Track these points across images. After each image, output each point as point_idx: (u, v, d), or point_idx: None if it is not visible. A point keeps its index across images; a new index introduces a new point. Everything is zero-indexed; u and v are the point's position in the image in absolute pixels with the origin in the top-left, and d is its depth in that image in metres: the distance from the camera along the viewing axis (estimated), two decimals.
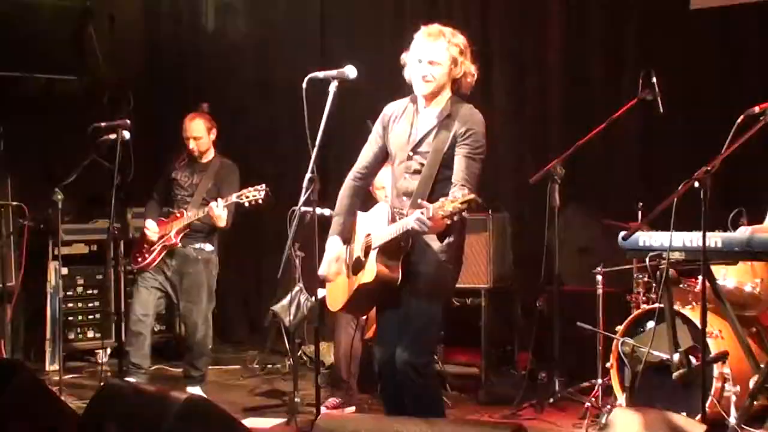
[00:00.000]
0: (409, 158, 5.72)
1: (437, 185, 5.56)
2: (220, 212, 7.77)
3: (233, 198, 7.71)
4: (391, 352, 5.63)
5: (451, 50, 5.64)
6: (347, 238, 5.86)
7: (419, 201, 5.25)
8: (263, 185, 7.72)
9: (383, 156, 5.94)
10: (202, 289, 8.10)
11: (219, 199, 7.77)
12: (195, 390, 7.92)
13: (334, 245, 5.82)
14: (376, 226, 5.66)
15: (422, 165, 5.65)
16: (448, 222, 5.05)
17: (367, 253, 5.62)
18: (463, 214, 5.06)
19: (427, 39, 5.66)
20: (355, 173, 5.99)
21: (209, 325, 8.13)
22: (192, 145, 8.17)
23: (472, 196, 5.00)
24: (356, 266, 5.73)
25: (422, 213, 5.10)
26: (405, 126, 5.80)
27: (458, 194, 5.05)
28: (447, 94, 5.73)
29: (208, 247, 8.13)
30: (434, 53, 5.61)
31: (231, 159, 8.33)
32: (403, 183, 5.71)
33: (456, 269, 5.73)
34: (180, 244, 8.04)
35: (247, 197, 7.69)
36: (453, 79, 5.71)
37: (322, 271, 5.83)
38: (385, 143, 5.89)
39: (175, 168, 8.24)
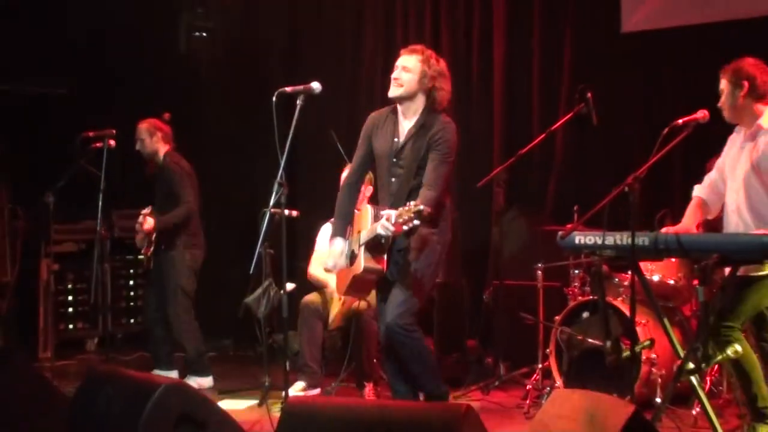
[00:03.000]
0: (392, 164, 5.97)
1: (414, 188, 5.82)
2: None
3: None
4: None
5: (423, 64, 5.90)
6: (346, 235, 6.12)
7: (381, 213, 5.55)
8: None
9: (369, 160, 6.17)
10: (169, 289, 8.07)
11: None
12: (192, 379, 7.93)
13: (337, 244, 6.10)
14: (364, 225, 5.90)
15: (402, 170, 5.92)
16: (406, 228, 5.34)
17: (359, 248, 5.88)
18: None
19: (405, 52, 6.03)
20: (348, 177, 6.26)
21: (182, 321, 8.07)
22: (137, 146, 8.19)
23: (421, 207, 5.27)
24: (352, 259, 6.02)
25: (387, 220, 5.40)
26: (387, 135, 6.01)
27: (412, 204, 5.30)
28: (422, 105, 5.96)
29: (174, 248, 8.07)
30: (407, 62, 5.93)
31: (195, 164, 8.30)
32: (388, 186, 5.97)
33: (443, 249, 6.04)
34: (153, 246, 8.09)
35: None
36: (426, 91, 5.93)
37: (329, 265, 6.20)
38: (369, 149, 6.11)
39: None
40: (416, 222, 5.33)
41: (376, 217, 5.73)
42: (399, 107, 6.05)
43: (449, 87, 6.04)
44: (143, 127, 8.15)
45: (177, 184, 7.97)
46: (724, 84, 5.45)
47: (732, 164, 5.49)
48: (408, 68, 5.93)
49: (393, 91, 5.97)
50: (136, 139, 8.15)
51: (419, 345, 6.02)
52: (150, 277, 8.29)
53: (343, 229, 6.14)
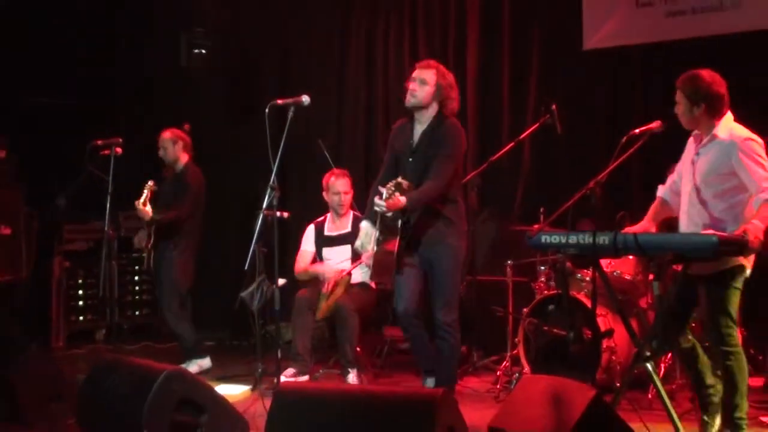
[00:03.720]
0: (408, 164, 6.21)
1: (425, 181, 6.04)
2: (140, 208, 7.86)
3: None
4: (405, 306, 6.20)
5: (438, 78, 6.10)
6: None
7: (378, 187, 5.89)
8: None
9: (394, 163, 6.35)
10: (166, 283, 8.06)
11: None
12: (193, 362, 7.96)
13: (363, 225, 6.32)
14: None
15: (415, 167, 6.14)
16: (392, 201, 5.78)
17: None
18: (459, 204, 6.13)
19: (421, 65, 6.20)
20: (379, 180, 6.31)
21: (177, 314, 8.05)
22: (160, 153, 8.21)
23: (399, 180, 5.78)
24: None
25: (378, 197, 5.83)
26: (404, 139, 6.28)
27: (394, 180, 5.78)
28: (434, 112, 6.16)
29: (169, 246, 8.06)
30: (424, 75, 6.13)
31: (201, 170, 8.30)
32: (405, 179, 6.00)
33: (464, 245, 6.29)
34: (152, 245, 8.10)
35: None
36: (439, 101, 6.15)
37: (357, 244, 6.39)
38: (392, 154, 6.34)
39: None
40: (396, 192, 5.76)
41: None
42: (415, 114, 6.24)
43: (458, 96, 6.26)
44: (167, 136, 8.18)
45: (185, 194, 8.02)
46: (681, 98, 5.33)
47: (685, 168, 5.47)
48: (425, 81, 6.12)
49: (410, 101, 6.15)
50: (159, 147, 8.19)
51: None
52: (154, 278, 8.28)
53: (369, 215, 6.27)
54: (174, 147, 8.15)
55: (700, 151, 5.32)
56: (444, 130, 6.10)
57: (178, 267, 8.03)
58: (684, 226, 5.37)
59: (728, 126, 5.27)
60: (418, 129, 6.22)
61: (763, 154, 5.14)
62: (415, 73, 6.17)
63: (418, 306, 6.29)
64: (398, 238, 6.11)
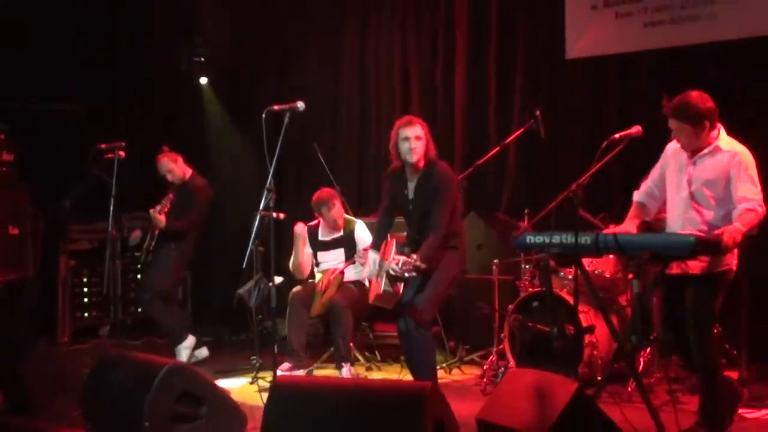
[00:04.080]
0: (408, 213, 6.31)
1: (425, 228, 6.11)
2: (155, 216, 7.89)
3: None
4: (405, 323, 6.13)
5: (425, 130, 6.20)
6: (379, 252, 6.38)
7: (395, 257, 5.94)
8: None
9: (393, 206, 6.46)
10: (159, 274, 8.14)
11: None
12: (182, 348, 7.99)
13: (370, 255, 6.41)
14: (389, 254, 6.22)
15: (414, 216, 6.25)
16: (407, 276, 5.83)
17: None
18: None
19: (407, 125, 6.20)
20: (382, 217, 6.53)
21: (157, 300, 8.09)
22: (168, 178, 8.20)
23: (419, 264, 5.73)
24: (380, 277, 6.22)
25: (396, 264, 5.81)
26: (401, 192, 6.33)
27: (414, 257, 5.77)
28: (424, 163, 6.21)
29: (169, 246, 8.11)
30: (417, 131, 6.17)
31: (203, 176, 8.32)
32: (408, 229, 6.36)
33: (461, 267, 6.34)
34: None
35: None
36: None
37: (364, 273, 6.69)
38: (391, 200, 6.43)
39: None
40: (414, 273, 5.78)
41: (396, 252, 6.12)
42: (407, 169, 6.27)
43: (432, 143, 6.27)
44: (164, 160, 8.17)
45: (194, 204, 8.08)
46: (679, 124, 5.26)
47: (674, 176, 5.46)
48: (420, 137, 6.16)
49: (416, 159, 6.16)
50: (163, 173, 8.18)
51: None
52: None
53: (377, 245, 6.40)
54: (176, 166, 8.17)
55: (698, 160, 5.30)
56: (436, 180, 6.13)
57: (174, 263, 8.08)
58: (678, 230, 5.36)
59: (727, 138, 5.32)
60: (412, 183, 6.26)
61: (754, 168, 5.21)
62: (408, 132, 6.15)
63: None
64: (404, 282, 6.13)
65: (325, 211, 7.77)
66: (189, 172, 8.24)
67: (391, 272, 5.89)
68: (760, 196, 5.13)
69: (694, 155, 5.32)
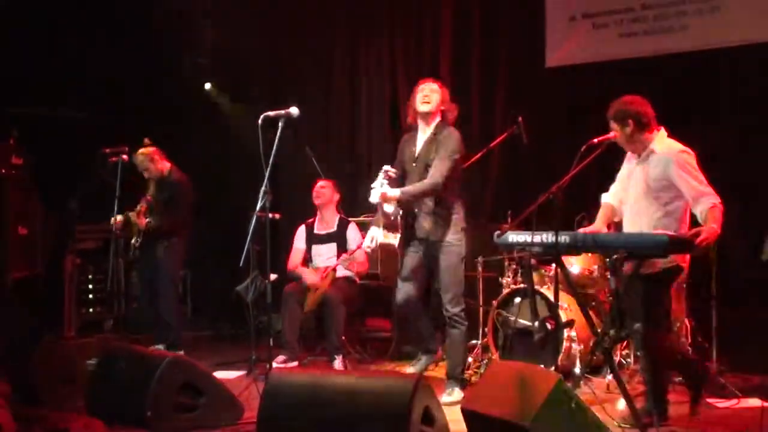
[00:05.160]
0: (411, 169, 6.26)
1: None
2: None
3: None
4: (405, 296, 6.33)
5: (443, 90, 6.25)
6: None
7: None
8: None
9: (402, 173, 6.33)
10: (163, 277, 8.00)
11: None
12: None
13: (372, 230, 6.34)
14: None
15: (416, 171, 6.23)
16: (392, 196, 5.98)
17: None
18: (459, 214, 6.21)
19: (428, 81, 6.30)
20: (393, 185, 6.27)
21: (171, 302, 8.04)
22: (146, 175, 8.05)
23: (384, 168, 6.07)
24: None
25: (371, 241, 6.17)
26: (409, 148, 6.32)
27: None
28: (438, 120, 6.22)
29: (165, 243, 7.97)
30: (434, 86, 6.24)
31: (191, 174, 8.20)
32: (409, 183, 6.19)
33: (463, 242, 6.29)
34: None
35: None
36: (441, 112, 6.23)
37: (365, 245, 6.42)
38: (400, 163, 6.35)
39: None
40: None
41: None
42: (420, 123, 6.28)
43: (455, 110, 6.32)
44: (141, 157, 7.96)
45: (178, 197, 7.92)
46: (614, 125, 5.39)
47: (627, 183, 5.52)
48: (435, 90, 6.21)
49: (425, 107, 6.19)
50: (141, 170, 8.00)
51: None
52: (140, 274, 8.37)
53: (374, 221, 6.38)
54: (154, 162, 7.98)
55: (641, 162, 5.36)
56: (444, 137, 6.13)
57: (173, 261, 8.02)
58: (629, 230, 5.41)
59: (663, 141, 5.34)
60: (421, 137, 6.25)
61: (695, 164, 5.22)
62: (424, 86, 6.24)
63: (418, 295, 6.39)
64: (399, 233, 6.18)
65: (328, 193, 7.91)
66: (167, 166, 8.05)
67: (371, 199, 6.07)
68: (710, 189, 5.13)
69: (639, 158, 5.38)
